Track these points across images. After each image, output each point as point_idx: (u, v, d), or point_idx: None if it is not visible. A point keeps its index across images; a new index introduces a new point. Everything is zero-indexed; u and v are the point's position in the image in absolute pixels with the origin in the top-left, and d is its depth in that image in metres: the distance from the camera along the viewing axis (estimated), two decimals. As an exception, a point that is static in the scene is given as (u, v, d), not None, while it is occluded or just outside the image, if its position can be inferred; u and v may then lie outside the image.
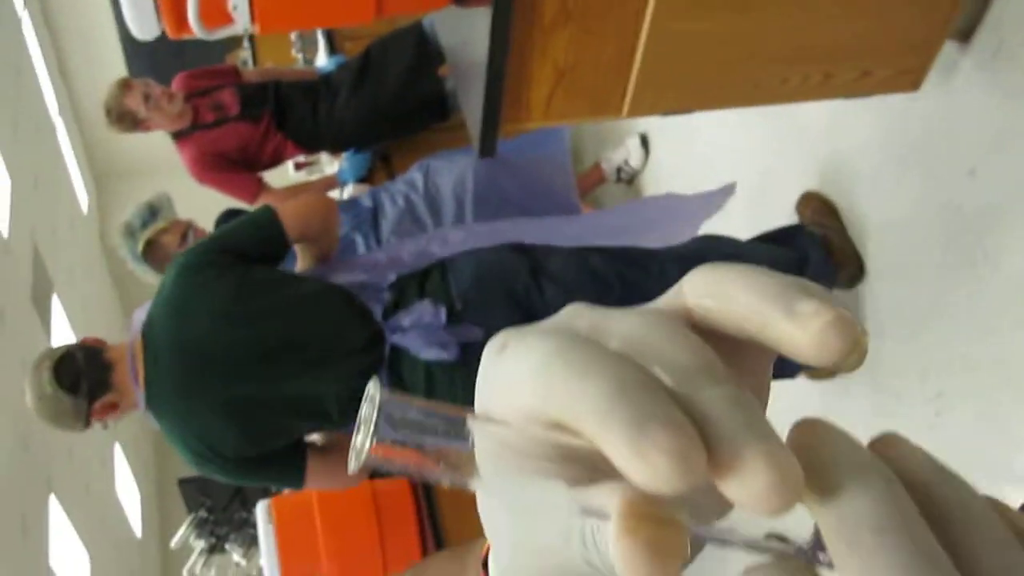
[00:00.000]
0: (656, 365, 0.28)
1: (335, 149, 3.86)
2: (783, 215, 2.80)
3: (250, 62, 5.82)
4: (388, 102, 3.41)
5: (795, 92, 1.82)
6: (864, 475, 0.27)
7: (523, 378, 0.29)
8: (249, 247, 2.16)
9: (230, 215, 3.22)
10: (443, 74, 3.39)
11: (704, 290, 0.31)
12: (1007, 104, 1.88)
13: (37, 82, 9.68)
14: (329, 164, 4.68)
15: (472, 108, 1.81)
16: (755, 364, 0.33)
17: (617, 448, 0.26)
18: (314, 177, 4.45)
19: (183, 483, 4.02)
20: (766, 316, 0.29)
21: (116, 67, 8.77)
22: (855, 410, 2.51)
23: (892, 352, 2.35)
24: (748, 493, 0.26)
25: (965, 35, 1.97)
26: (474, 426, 0.29)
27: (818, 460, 0.27)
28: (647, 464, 0.25)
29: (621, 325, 0.30)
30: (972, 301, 2.05)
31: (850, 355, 0.28)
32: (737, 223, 3.05)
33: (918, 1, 1.76)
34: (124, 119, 3.30)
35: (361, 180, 3.75)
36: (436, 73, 3.41)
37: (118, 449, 10.30)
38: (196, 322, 2.03)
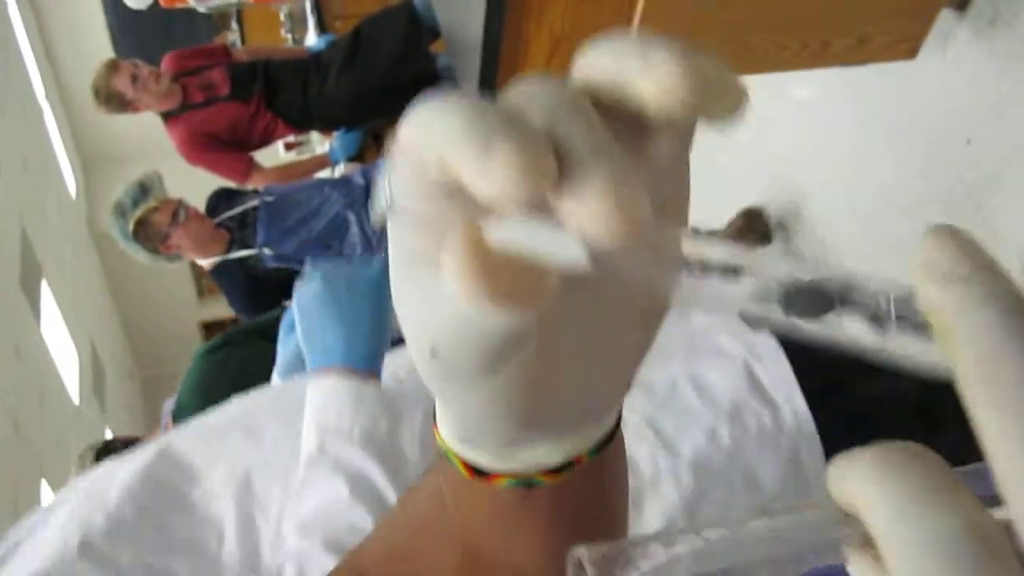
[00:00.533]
0: (522, 109, 0.28)
1: (326, 128, 3.84)
2: (775, 186, 2.80)
3: (239, 43, 5.80)
4: (379, 80, 3.39)
5: (793, 60, 1.80)
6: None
7: (407, 129, 0.29)
8: (264, 325, 2.33)
9: (221, 195, 3.20)
10: (436, 51, 3.38)
11: (585, 58, 0.30)
12: (1004, 72, 1.88)
13: (24, 66, 9.62)
14: (320, 144, 4.66)
15: (468, 76, 1.80)
16: (667, 153, 0.32)
17: (465, 168, 0.26)
18: (304, 157, 4.43)
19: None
20: (624, 69, 0.28)
21: (103, 50, 8.72)
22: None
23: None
24: (582, 214, 0.25)
25: (962, 3, 1.96)
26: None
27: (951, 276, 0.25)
28: (488, 176, 0.25)
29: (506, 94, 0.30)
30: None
31: (716, 100, 0.28)
32: (735, 189, 3.05)
33: (916, -33, 1.76)
34: (112, 100, 3.28)
35: (352, 159, 3.73)
36: (428, 51, 3.39)
37: (109, 436, 10.30)
38: (219, 393, 2.19)
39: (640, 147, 0.31)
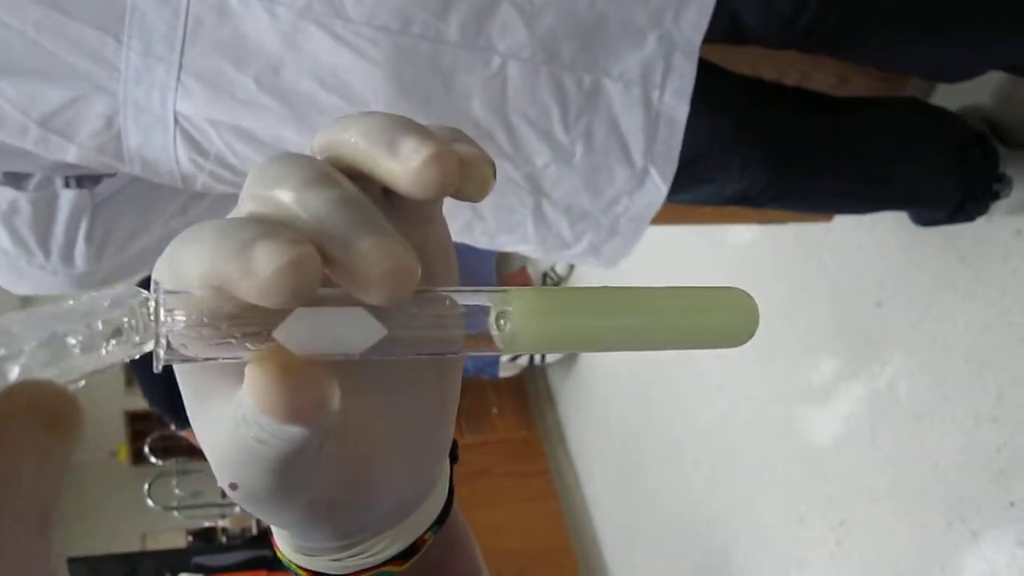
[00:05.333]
0: (273, 195, 0.30)
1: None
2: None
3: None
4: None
5: (709, 215, 1.84)
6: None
7: (162, 268, 0.30)
8: None
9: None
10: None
11: (328, 136, 0.32)
12: (915, 238, 1.94)
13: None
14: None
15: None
16: (419, 212, 0.35)
17: (234, 283, 0.27)
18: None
19: (72, 562, 3.88)
20: (374, 156, 0.30)
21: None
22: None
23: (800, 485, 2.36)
24: (366, 287, 0.28)
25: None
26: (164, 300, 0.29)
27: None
28: (257, 281, 0.26)
29: (254, 186, 0.31)
30: (874, 431, 2.08)
31: (464, 184, 0.31)
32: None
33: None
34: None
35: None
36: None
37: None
38: None
39: (394, 205, 0.33)
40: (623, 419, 3.53)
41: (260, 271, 0.26)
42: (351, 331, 0.29)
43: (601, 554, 3.71)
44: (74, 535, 7.09)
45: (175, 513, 4.43)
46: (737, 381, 2.72)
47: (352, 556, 0.40)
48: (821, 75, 1.73)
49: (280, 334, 0.28)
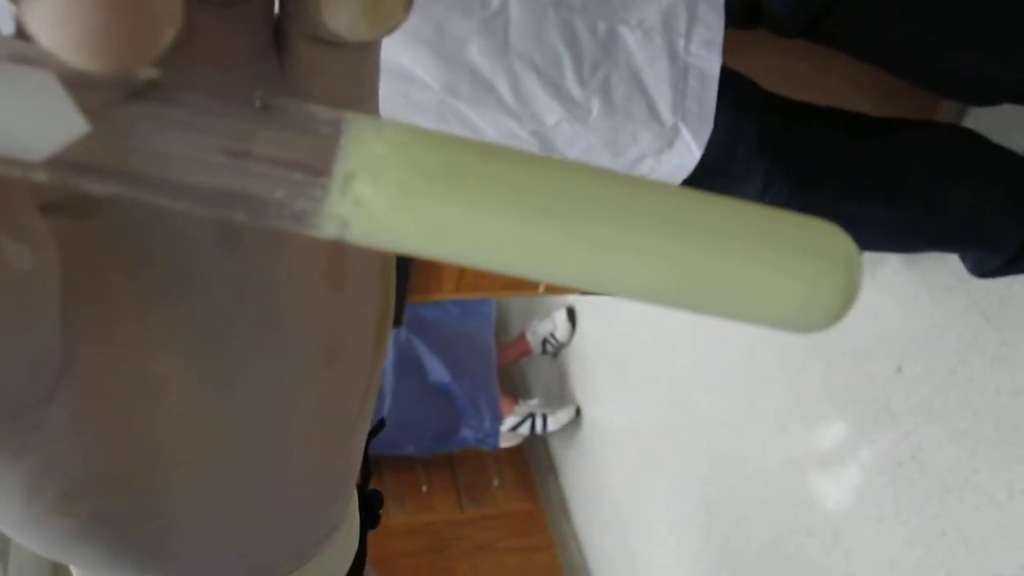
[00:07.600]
0: None
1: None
2: (710, 400, 2.73)
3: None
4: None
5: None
6: None
7: None
8: None
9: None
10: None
11: None
12: (935, 300, 1.85)
13: None
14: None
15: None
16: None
17: None
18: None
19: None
20: None
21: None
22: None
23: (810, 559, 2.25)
24: (50, 22, 0.13)
25: (893, 231, 1.95)
26: None
27: None
28: None
29: None
30: (898, 504, 1.97)
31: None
32: (663, 400, 2.98)
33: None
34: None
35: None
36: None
37: None
38: None
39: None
40: (629, 490, 3.41)
41: None
42: (25, 113, 0.14)
43: (609, 632, 3.57)
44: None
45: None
46: (747, 450, 2.61)
47: None
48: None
49: None
